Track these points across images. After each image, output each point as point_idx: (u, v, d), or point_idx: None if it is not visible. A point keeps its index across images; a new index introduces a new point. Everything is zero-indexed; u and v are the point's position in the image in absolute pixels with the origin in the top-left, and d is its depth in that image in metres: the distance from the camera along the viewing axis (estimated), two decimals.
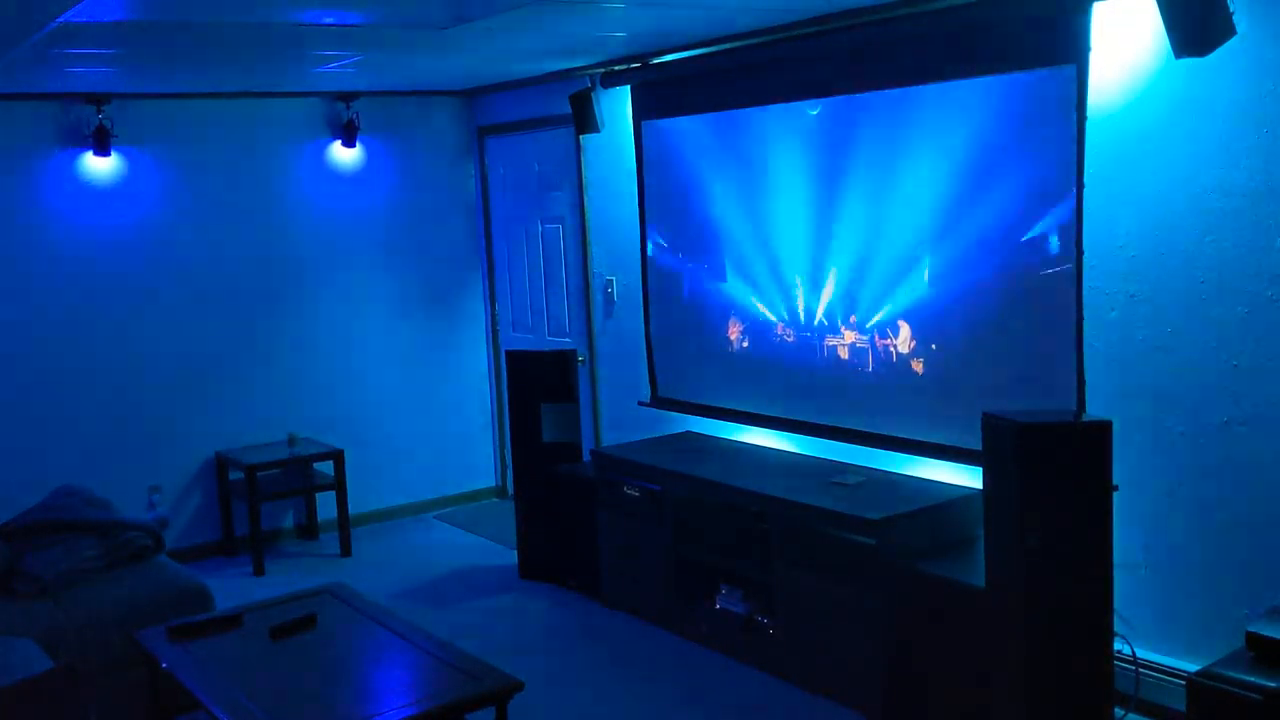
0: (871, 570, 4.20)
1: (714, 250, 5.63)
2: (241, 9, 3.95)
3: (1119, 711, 3.96)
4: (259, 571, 6.33)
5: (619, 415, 6.53)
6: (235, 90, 6.42)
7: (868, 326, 4.88)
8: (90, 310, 6.26)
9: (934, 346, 4.61)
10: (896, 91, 4.61)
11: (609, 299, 6.49)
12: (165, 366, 6.49)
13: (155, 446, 6.49)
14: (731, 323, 5.59)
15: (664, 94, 5.77)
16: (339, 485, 6.56)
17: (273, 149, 6.76)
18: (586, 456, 6.05)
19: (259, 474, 6.33)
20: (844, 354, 5.01)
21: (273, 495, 6.48)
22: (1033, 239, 4.19)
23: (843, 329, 5.00)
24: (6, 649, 3.59)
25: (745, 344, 5.52)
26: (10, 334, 6.06)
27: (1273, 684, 3.06)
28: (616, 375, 6.53)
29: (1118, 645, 3.85)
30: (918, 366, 4.70)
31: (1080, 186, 4.01)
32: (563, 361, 5.91)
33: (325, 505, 6.88)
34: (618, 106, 6.13)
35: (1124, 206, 3.96)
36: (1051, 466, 3.34)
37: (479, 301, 7.60)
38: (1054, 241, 4.12)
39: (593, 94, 6.03)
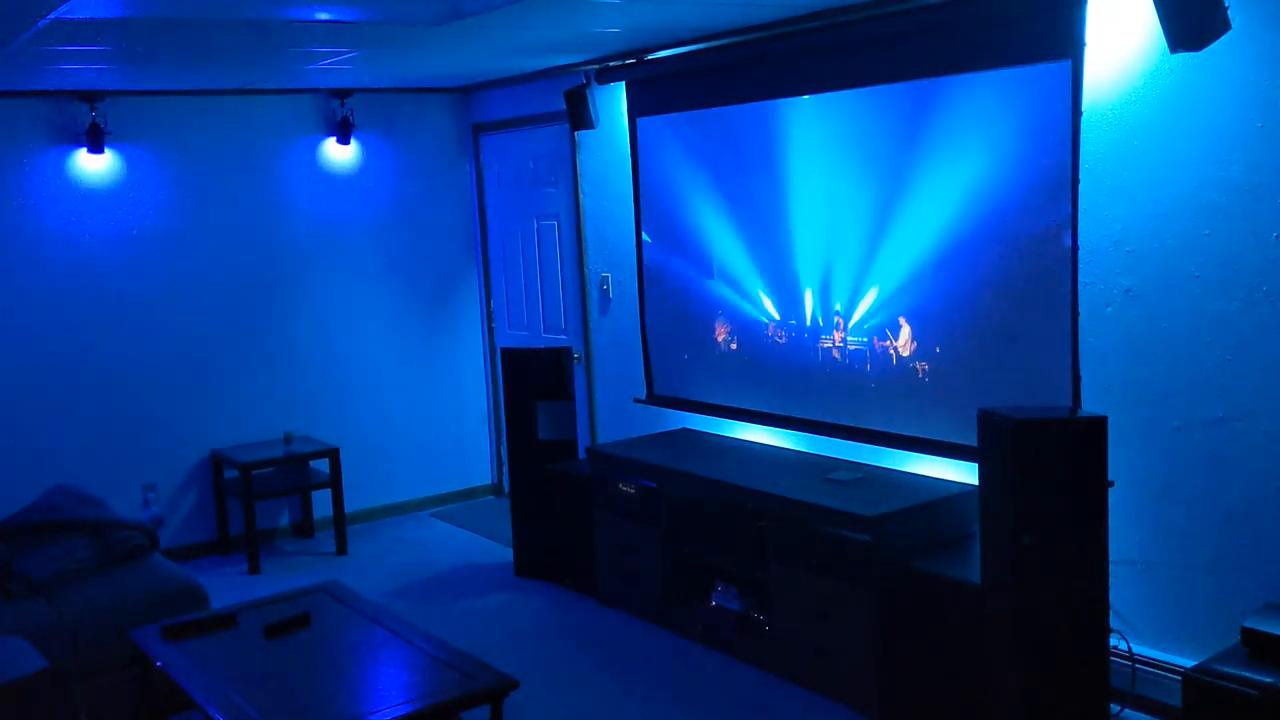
0: (867, 567, 4.20)
1: (709, 248, 5.62)
2: (235, 5, 3.93)
3: (1115, 707, 3.95)
4: (254, 570, 6.32)
5: (615, 412, 6.52)
6: (229, 87, 6.40)
7: (866, 326, 4.87)
8: (84, 308, 6.24)
9: (937, 349, 4.60)
10: (892, 87, 4.60)
11: (604, 296, 6.48)
12: (160, 364, 6.48)
13: (150, 445, 6.48)
14: (719, 324, 5.58)
15: (659, 90, 5.76)
16: (334, 483, 6.55)
17: (267, 146, 6.74)
18: (582, 454, 6.05)
19: (254, 472, 6.31)
20: (838, 353, 5.00)
21: (268, 494, 6.46)
22: (1029, 234, 4.18)
23: (839, 324, 4.99)
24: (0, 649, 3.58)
25: (734, 345, 5.51)
26: (3, 333, 6.04)
27: (1268, 679, 3.06)
28: (612, 372, 6.52)
29: (1114, 641, 3.85)
30: (914, 363, 4.69)
31: (1076, 182, 4.01)
32: (558, 359, 5.90)
33: (321, 503, 6.87)
34: (613, 103, 6.12)
35: (1120, 201, 3.95)
36: (1047, 463, 3.34)
37: (474, 298, 7.59)
38: (1050, 237, 4.11)
39: (588, 90, 6.02)
